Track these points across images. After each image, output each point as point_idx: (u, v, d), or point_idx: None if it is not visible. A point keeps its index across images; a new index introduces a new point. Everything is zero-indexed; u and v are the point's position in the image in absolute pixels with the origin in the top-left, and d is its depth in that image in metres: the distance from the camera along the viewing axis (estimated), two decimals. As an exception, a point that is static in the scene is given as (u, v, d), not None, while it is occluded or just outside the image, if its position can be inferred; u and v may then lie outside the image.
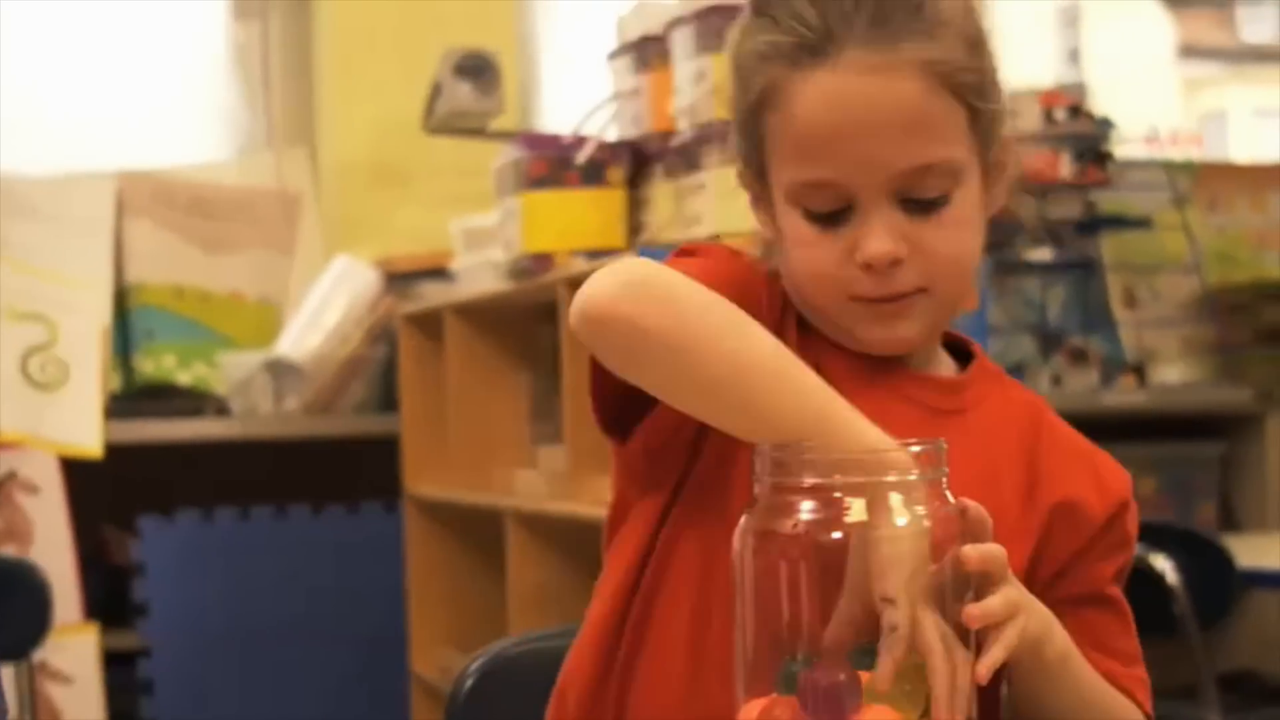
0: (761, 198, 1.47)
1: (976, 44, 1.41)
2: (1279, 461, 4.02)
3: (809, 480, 1.21)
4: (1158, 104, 7.68)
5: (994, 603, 1.24)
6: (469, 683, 1.77)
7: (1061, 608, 1.41)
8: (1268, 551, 3.70)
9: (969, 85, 1.39)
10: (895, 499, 1.20)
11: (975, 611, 1.23)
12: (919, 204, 1.38)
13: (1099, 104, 4.19)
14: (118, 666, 3.95)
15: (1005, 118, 1.44)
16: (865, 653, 1.19)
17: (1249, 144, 8.68)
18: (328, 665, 4.14)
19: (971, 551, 1.23)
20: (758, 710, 1.21)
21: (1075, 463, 1.46)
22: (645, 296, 1.32)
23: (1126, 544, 1.46)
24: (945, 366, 1.50)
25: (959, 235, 1.40)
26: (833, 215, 1.39)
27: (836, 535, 1.19)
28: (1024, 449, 1.46)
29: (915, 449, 1.23)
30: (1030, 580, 1.40)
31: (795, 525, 1.21)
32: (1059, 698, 1.36)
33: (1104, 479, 1.46)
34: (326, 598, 4.15)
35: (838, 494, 1.20)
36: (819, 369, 1.43)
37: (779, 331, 1.43)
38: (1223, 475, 4.12)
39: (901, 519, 1.19)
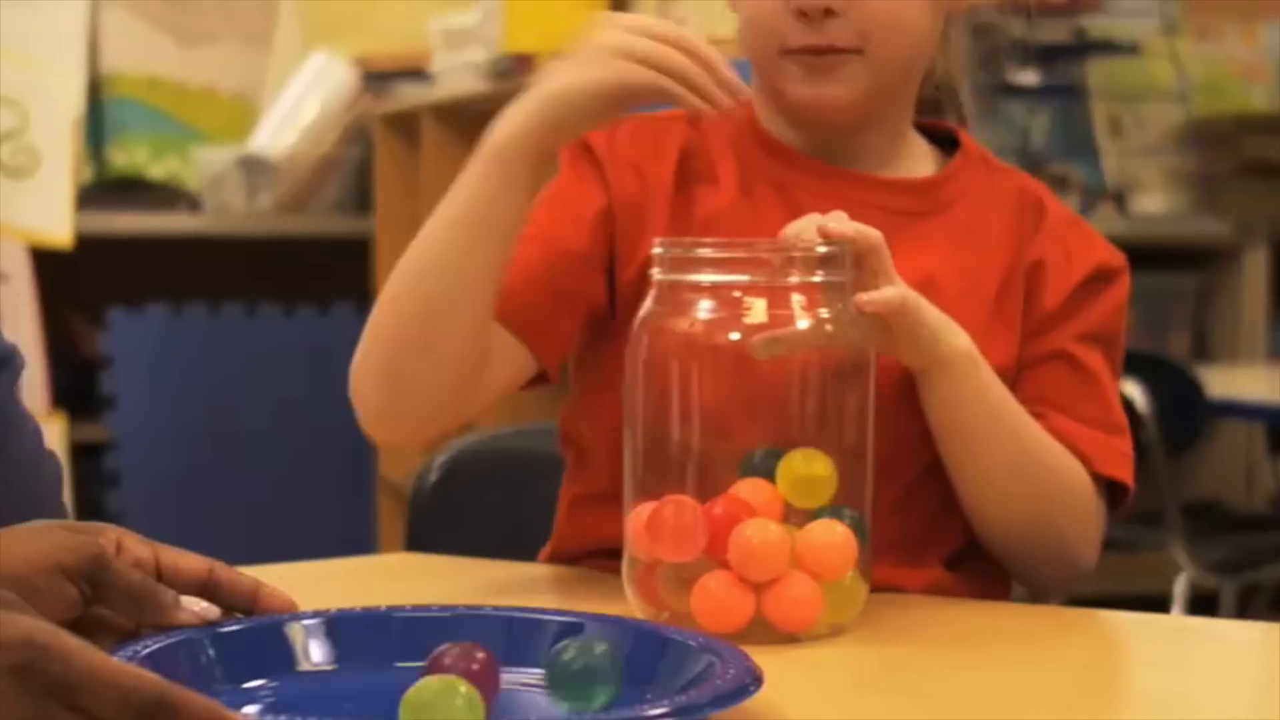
0: None
1: None
2: (1254, 294, 4.02)
3: (708, 279, 1.18)
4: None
5: (887, 290, 1.25)
6: (433, 476, 1.76)
7: (1026, 371, 1.40)
8: (1238, 382, 3.72)
9: None
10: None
11: (864, 296, 1.23)
12: None
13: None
14: (85, 458, 3.95)
15: None
16: (771, 454, 1.18)
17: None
18: (295, 465, 4.14)
19: (862, 296, 1.23)
20: (647, 514, 1.18)
21: (1054, 234, 1.43)
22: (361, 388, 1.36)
23: (1098, 307, 1.42)
24: (921, 163, 1.47)
25: (902, 9, 1.37)
26: None
27: (734, 336, 1.16)
28: (1011, 235, 1.43)
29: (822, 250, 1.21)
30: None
31: (692, 324, 1.18)
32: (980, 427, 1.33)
33: (1078, 247, 1.43)
34: (295, 397, 4.14)
35: (737, 294, 1.17)
36: (768, 178, 1.42)
37: (680, 165, 1.42)
38: (1198, 306, 4.12)
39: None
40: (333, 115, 4.14)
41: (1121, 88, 4.30)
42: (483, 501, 1.76)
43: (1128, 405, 3.25)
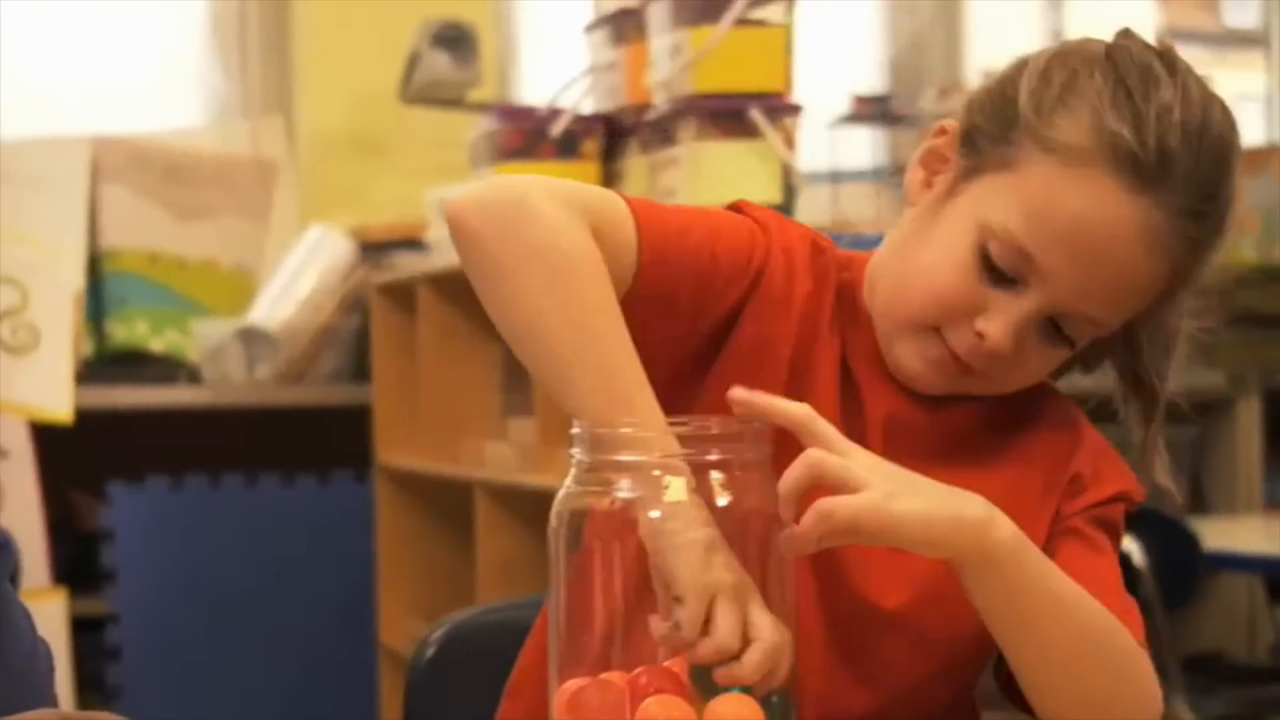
0: (942, 170, 1.39)
1: (1216, 257, 1.38)
2: (1248, 444, 4.03)
3: (626, 457, 1.19)
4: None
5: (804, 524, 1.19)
6: (429, 652, 1.77)
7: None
8: (1235, 534, 3.72)
9: (1187, 293, 1.38)
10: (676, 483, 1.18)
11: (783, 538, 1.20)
12: (1056, 332, 1.35)
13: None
14: (86, 632, 3.94)
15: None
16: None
17: (1230, 129, 8.66)
18: (296, 634, 4.13)
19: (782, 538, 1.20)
20: (570, 692, 1.19)
21: (1090, 455, 1.43)
22: (494, 215, 1.27)
23: (1112, 510, 1.42)
24: None
25: (1046, 368, 1.39)
26: (997, 274, 1.34)
27: (654, 514, 1.18)
28: (1058, 452, 1.43)
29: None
30: None
31: (612, 503, 1.19)
32: (1021, 596, 1.28)
33: (1108, 472, 1.43)
34: (296, 567, 4.14)
35: (656, 472, 1.18)
36: (844, 357, 1.40)
37: (815, 304, 1.38)
38: (1194, 458, 4.12)
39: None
40: (330, 286, 4.17)
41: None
42: (480, 674, 1.76)
43: (1125, 559, 3.26)
